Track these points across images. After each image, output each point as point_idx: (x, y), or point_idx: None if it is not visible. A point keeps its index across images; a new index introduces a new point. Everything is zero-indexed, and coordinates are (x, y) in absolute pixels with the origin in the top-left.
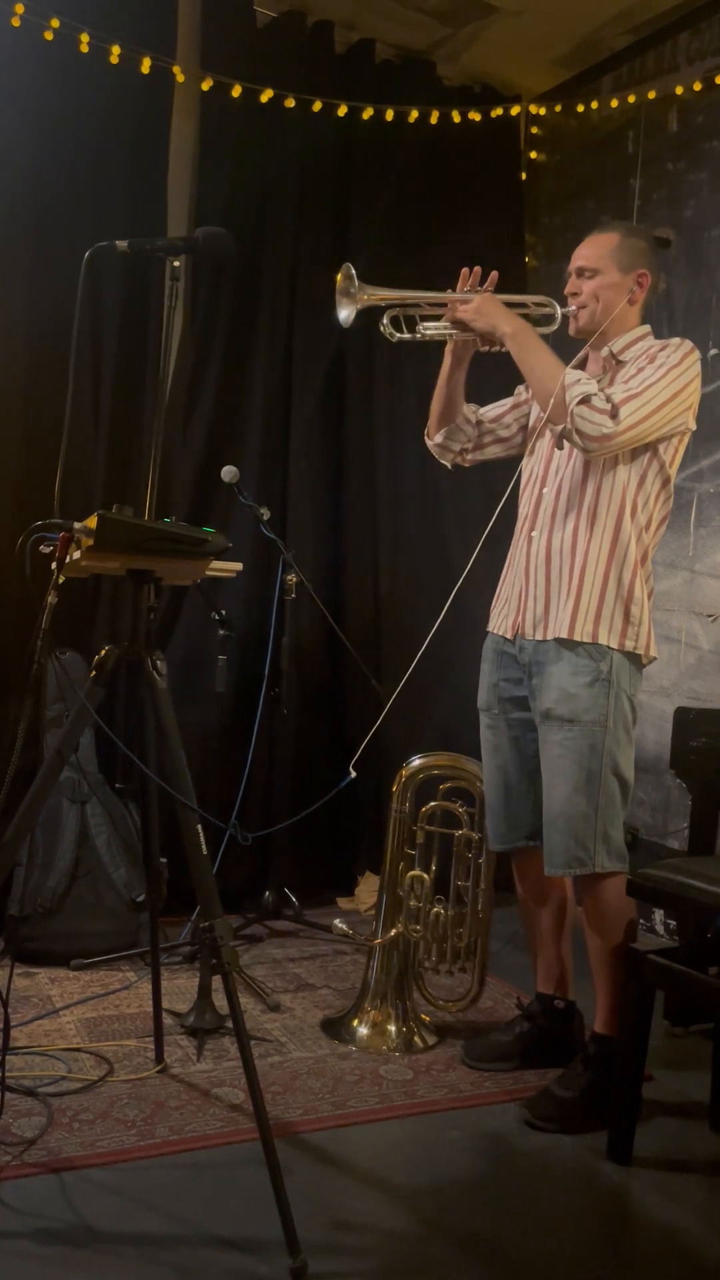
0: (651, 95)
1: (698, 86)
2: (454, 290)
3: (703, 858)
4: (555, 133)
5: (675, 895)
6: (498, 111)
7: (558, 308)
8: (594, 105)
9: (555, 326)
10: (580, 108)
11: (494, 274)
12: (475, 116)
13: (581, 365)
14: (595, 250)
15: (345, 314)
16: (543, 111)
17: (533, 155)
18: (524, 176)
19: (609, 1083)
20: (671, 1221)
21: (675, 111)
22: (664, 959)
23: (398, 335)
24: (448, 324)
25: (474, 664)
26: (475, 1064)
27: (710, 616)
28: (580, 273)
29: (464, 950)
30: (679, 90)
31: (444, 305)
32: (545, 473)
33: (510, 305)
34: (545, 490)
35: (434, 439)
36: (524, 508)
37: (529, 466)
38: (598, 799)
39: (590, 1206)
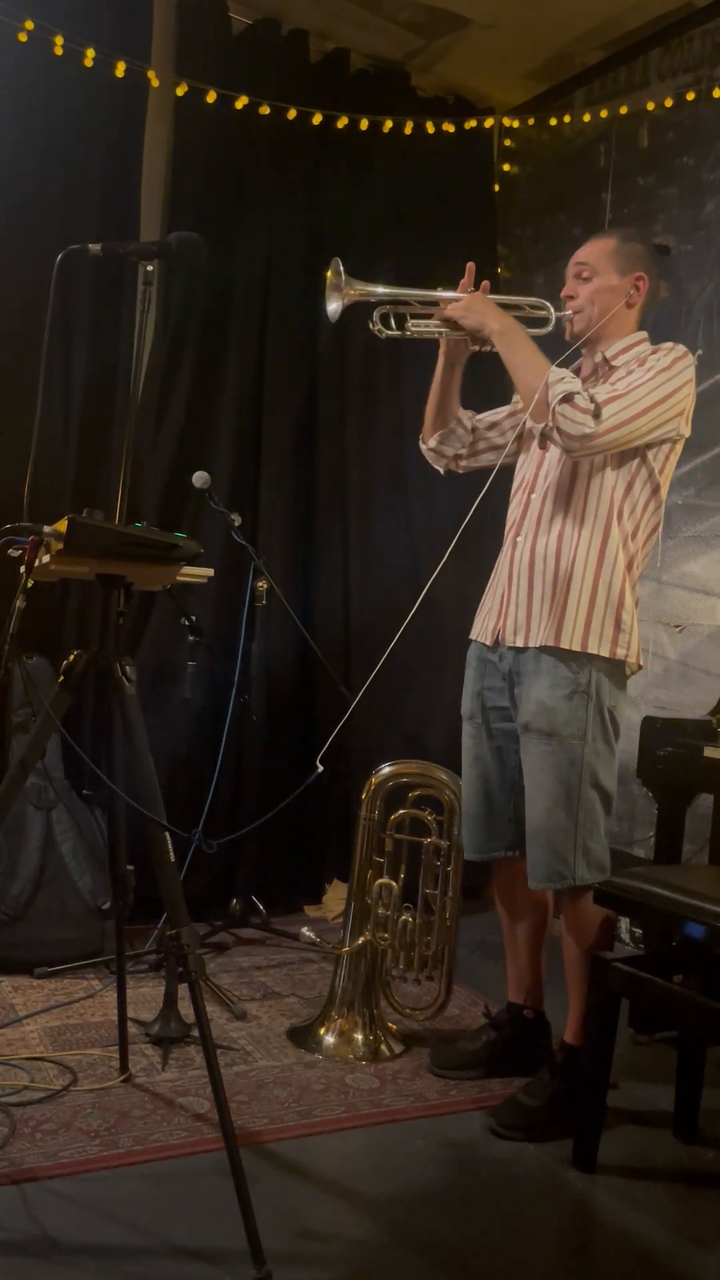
0: (623, 110)
1: (668, 103)
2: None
3: (668, 866)
4: (528, 145)
5: (641, 904)
6: (471, 123)
7: (552, 310)
8: (566, 119)
9: (549, 329)
10: (553, 121)
11: (485, 282)
12: (449, 128)
13: (577, 371)
14: (592, 252)
15: (334, 308)
16: (515, 124)
17: (505, 167)
18: (496, 188)
19: (575, 1092)
20: (636, 1228)
21: (646, 127)
22: (630, 967)
23: (386, 332)
24: (437, 322)
25: (442, 672)
26: (441, 1072)
27: (677, 627)
28: (578, 275)
29: (431, 958)
30: (650, 106)
31: (434, 304)
32: (535, 478)
33: (504, 307)
34: (534, 496)
35: (428, 443)
36: (512, 513)
37: (520, 472)
38: (577, 813)
39: (555, 1214)
